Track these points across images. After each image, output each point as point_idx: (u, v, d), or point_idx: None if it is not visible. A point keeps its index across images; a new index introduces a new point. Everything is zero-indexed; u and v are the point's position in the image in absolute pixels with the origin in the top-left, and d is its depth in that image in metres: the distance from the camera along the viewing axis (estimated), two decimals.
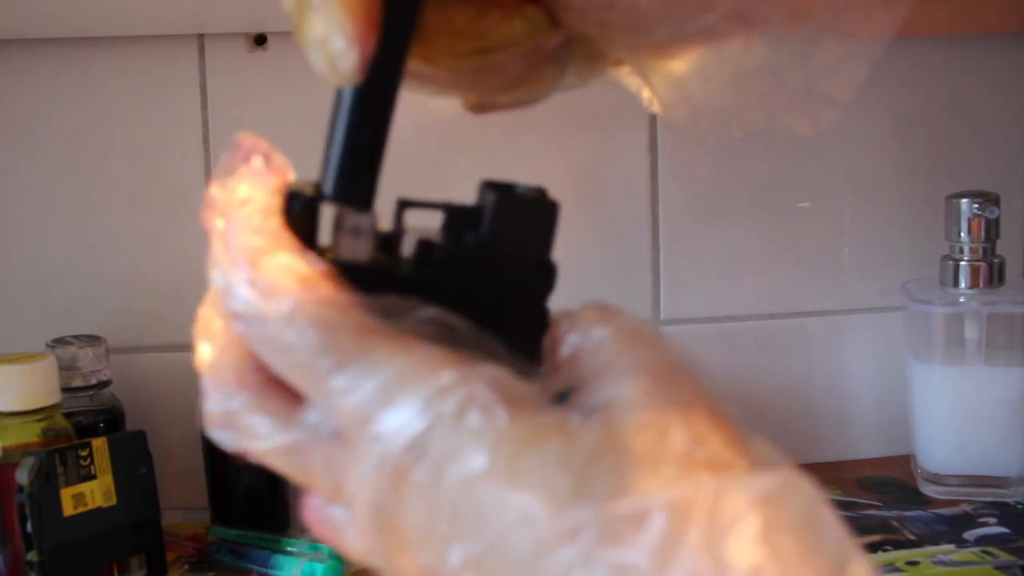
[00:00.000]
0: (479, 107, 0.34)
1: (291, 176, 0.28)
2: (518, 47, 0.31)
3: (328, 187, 0.28)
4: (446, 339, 0.26)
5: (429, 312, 0.27)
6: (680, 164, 0.90)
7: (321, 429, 0.26)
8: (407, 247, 0.28)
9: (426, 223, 0.29)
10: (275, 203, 0.28)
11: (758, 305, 0.92)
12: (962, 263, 0.83)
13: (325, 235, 0.29)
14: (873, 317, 0.93)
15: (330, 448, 0.26)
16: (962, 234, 0.82)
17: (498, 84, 0.32)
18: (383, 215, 0.29)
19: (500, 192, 0.28)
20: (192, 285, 0.91)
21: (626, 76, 0.36)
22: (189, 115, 0.84)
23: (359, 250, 0.28)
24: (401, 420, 0.24)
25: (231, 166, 0.28)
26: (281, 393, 0.27)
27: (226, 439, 0.28)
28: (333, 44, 0.26)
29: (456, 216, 0.28)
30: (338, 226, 0.28)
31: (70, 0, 0.71)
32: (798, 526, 0.24)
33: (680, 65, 0.34)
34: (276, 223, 0.27)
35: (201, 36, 0.84)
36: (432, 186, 0.33)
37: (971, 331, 0.83)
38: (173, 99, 0.84)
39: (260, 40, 0.84)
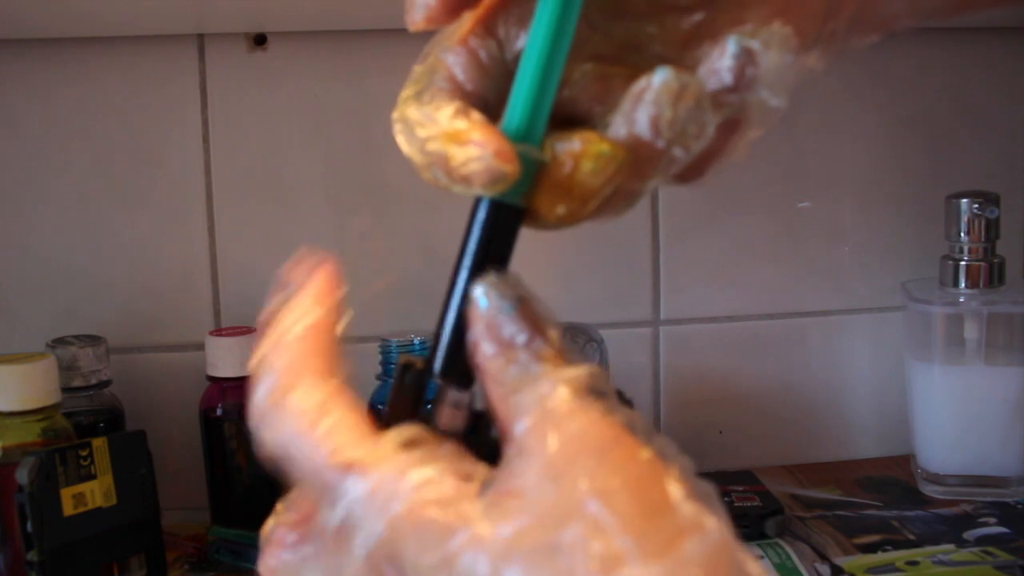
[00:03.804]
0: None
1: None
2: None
3: (437, 365, 0.31)
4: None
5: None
6: None
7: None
8: (497, 427, 0.31)
9: None
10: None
11: (758, 305, 0.92)
12: (962, 263, 0.83)
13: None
14: (873, 317, 0.93)
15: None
16: (962, 234, 0.82)
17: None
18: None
19: None
20: (192, 285, 0.92)
21: None
22: (189, 115, 0.84)
23: (456, 422, 0.31)
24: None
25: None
26: None
27: None
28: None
29: None
30: (440, 399, 0.31)
31: (70, 0, 0.71)
32: None
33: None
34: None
35: (201, 36, 0.84)
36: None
37: (971, 331, 0.83)
38: (173, 99, 0.84)
39: (260, 40, 0.84)
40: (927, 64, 0.91)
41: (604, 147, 0.31)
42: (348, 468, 0.28)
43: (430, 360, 0.32)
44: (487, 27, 0.33)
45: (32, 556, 0.63)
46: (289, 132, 0.85)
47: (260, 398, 0.30)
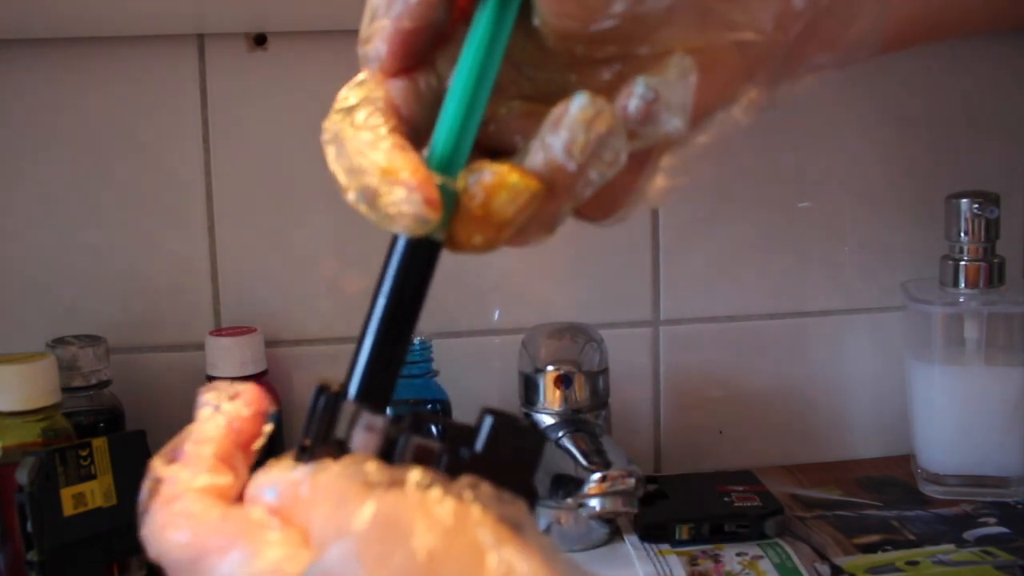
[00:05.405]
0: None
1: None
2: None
3: (352, 389, 0.32)
4: None
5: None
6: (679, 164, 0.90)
7: None
8: (409, 452, 0.32)
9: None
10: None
11: (758, 305, 0.92)
12: (962, 263, 0.83)
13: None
14: (873, 317, 0.93)
15: None
16: (962, 234, 0.82)
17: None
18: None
19: (496, 417, 0.31)
20: (192, 285, 0.92)
21: None
22: (189, 115, 0.84)
23: (369, 445, 0.31)
24: None
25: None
26: None
27: None
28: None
29: (455, 432, 0.31)
30: (354, 422, 0.32)
31: (70, 0, 0.71)
32: None
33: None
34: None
35: (201, 36, 0.84)
36: None
37: (971, 331, 0.83)
38: (173, 99, 0.84)
39: (260, 40, 0.84)
40: (927, 64, 0.91)
41: (514, 178, 0.32)
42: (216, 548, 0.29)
43: (346, 383, 0.32)
44: (428, 61, 0.35)
45: (32, 556, 0.63)
46: (289, 132, 0.85)
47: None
